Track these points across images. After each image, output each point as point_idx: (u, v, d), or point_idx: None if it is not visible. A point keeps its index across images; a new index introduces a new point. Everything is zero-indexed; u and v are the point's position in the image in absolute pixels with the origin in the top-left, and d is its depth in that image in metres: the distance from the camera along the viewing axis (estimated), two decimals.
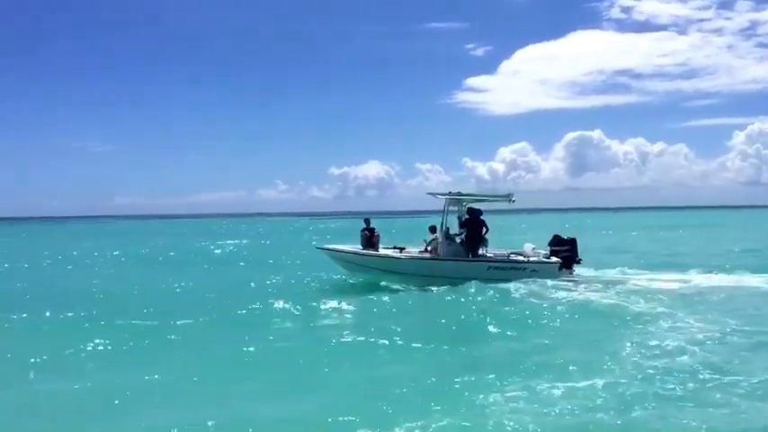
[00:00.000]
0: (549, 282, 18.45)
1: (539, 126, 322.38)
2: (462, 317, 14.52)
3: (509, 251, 20.19)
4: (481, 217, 19.59)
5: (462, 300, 16.46)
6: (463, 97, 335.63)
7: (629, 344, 11.12)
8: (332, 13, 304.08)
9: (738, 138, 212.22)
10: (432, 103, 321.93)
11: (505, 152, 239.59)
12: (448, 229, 19.76)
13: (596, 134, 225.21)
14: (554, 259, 19.59)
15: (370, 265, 19.41)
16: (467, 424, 7.52)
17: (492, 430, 7.40)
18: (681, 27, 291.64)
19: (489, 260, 19.34)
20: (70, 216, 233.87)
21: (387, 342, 11.67)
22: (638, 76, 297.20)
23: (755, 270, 20.74)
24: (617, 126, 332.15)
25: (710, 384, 8.80)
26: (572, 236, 20.52)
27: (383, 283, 18.80)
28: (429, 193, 20.50)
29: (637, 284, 18.59)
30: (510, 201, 19.56)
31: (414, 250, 19.98)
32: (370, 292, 17.77)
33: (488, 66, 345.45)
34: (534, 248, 20.06)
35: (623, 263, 24.47)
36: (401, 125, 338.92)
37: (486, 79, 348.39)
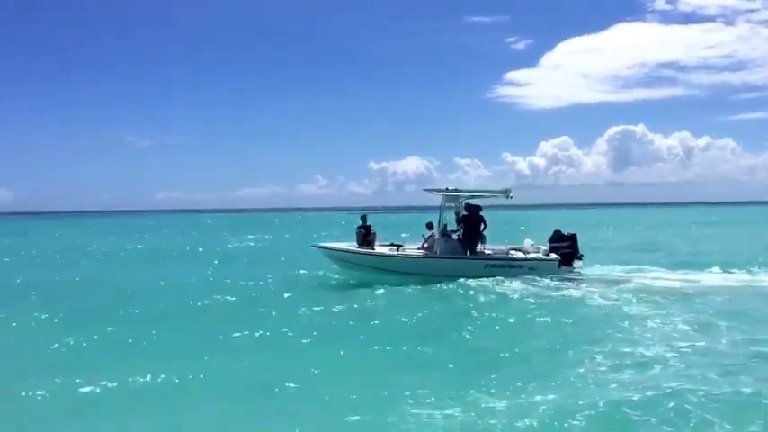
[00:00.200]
0: (547, 280, 18.05)
1: (580, 120, 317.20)
2: (437, 316, 14.09)
3: (508, 247, 19.76)
4: (480, 213, 19.21)
5: (442, 298, 16.14)
6: (504, 91, 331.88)
7: (599, 350, 10.46)
8: (372, 9, 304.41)
9: None
10: (472, 98, 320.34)
11: (546, 147, 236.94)
12: (445, 225, 19.42)
13: (639, 128, 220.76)
14: (553, 256, 19.11)
15: (364, 263, 19.15)
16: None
17: None
18: (728, 18, 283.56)
19: (486, 258, 18.93)
20: (120, 210, 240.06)
21: (347, 340, 11.47)
22: (682, 68, 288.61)
23: None
24: (661, 120, 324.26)
25: (669, 404, 7.78)
26: (572, 231, 19.99)
27: (369, 281, 18.41)
28: (425, 189, 20.14)
29: (639, 283, 17.96)
30: (507, 196, 19.10)
31: (412, 247, 19.67)
32: (356, 290, 17.38)
33: (529, 59, 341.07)
34: (533, 244, 19.60)
35: (639, 260, 23.72)
36: (441, 120, 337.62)
37: (526, 73, 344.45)
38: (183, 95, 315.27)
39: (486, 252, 19.25)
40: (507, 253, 19.37)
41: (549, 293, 16.48)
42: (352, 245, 19.87)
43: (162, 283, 19.69)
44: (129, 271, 24.34)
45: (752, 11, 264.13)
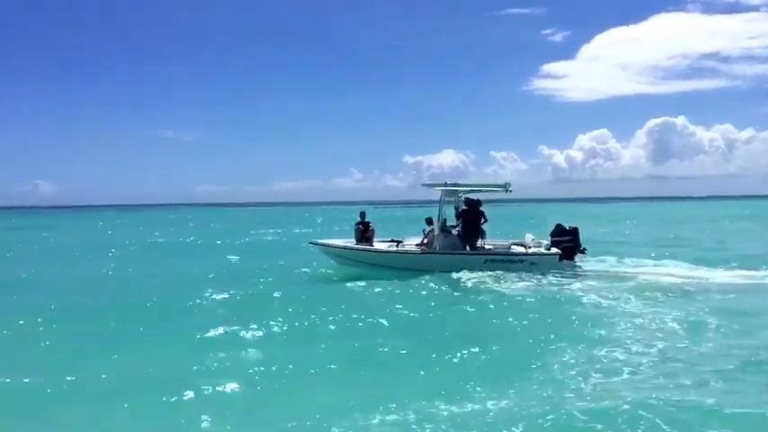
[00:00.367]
0: (546, 275, 17.64)
1: (619, 112, 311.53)
2: (421, 312, 13.70)
3: (510, 242, 19.36)
4: (480, 207, 18.84)
5: (429, 294, 15.84)
6: (540, 84, 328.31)
7: (573, 352, 9.96)
8: (413, 3, 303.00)
9: None
10: (508, 91, 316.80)
11: (584, 139, 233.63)
12: (445, 220, 19.12)
13: (680, 120, 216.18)
14: (554, 250, 18.66)
15: (362, 259, 18.92)
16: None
17: None
18: None
19: (486, 253, 18.56)
20: (161, 204, 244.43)
21: (322, 338, 11.20)
22: (725, 59, 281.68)
23: None
24: (702, 112, 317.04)
25: (622, 415, 7.29)
26: (574, 225, 19.49)
27: (360, 277, 17.95)
28: (424, 185, 19.90)
29: (643, 279, 17.36)
30: (507, 190, 18.69)
31: (412, 243, 19.41)
32: (341, 287, 17.05)
33: (566, 51, 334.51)
34: (534, 239, 19.18)
35: (658, 255, 23.05)
36: (476, 113, 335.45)
37: (563, 65, 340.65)
38: (224, 90, 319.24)
39: (487, 247, 18.87)
40: (509, 248, 18.97)
41: (543, 289, 16.08)
42: (350, 241, 19.67)
43: (150, 278, 19.95)
44: (133, 265, 24.35)
45: None
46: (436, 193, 19.32)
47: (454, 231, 18.94)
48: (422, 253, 18.70)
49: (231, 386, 8.53)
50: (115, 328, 12.20)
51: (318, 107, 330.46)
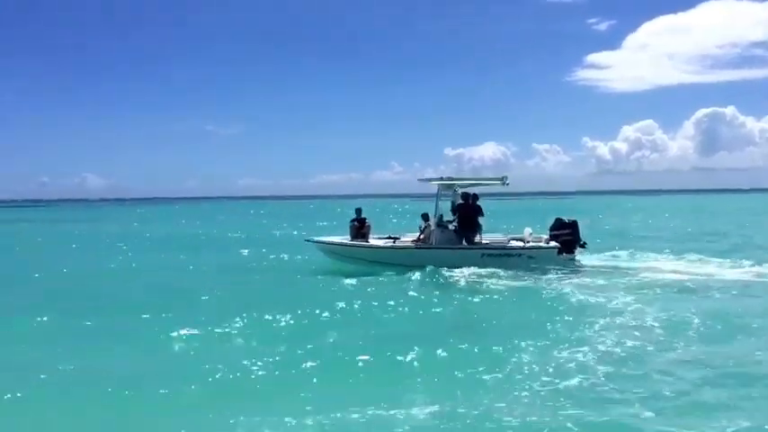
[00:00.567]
0: (544, 268, 17.37)
1: (665, 103, 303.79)
2: (390, 308, 13.46)
3: (509, 237, 18.96)
4: (477, 202, 18.47)
5: (401, 288, 15.65)
6: (584, 74, 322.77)
7: (532, 351, 9.66)
8: None
9: None
10: (551, 82, 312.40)
11: (629, 131, 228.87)
12: (441, 216, 18.79)
13: (729, 111, 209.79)
14: (552, 244, 18.22)
15: (358, 255, 18.73)
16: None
17: None
18: None
19: (482, 247, 18.19)
20: (202, 197, 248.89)
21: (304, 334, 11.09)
22: None
23: None
24: (753, 102, 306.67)
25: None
26: (573, 218, 19.02)
27: (345, 273, 17.96)
28: (420, 180, 19.62)
29: (642, 275, 16.86)
30: (504, 183, 18.33)
31: (408, 240, 19.13)
32: (335, 283, 16.88)
33: (611, 41, 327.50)
34: (532, 233, 18.79)
35: (677, 249, 22.39)
36: (518, 105, 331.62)
37: (608, 55, 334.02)
38: (265, 83, 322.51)
39: (484, 242, 18.49)
40: (508, 242, 18.59)
41: (531, 285, 15.86)
42: (346, 238, 19.51)
43: (148, 271, 20.43)
44: (137, 259, 24.74)
45: None
46: (433, 188, 18.98)
47: (451, 226, 18.58)
48: (417, 248, 18.40)
49: (187, 387, 8.36)
50: (75, 324, 12.34)
51: (359, 99, 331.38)
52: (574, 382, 8.36)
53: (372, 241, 19.14)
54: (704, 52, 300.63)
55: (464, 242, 18.37)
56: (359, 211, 19.79)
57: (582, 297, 13.97)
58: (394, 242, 18.94)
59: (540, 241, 18.58)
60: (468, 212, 18.28)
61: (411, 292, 15.26)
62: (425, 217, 18.91)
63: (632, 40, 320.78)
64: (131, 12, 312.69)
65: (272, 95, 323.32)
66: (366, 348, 9.96)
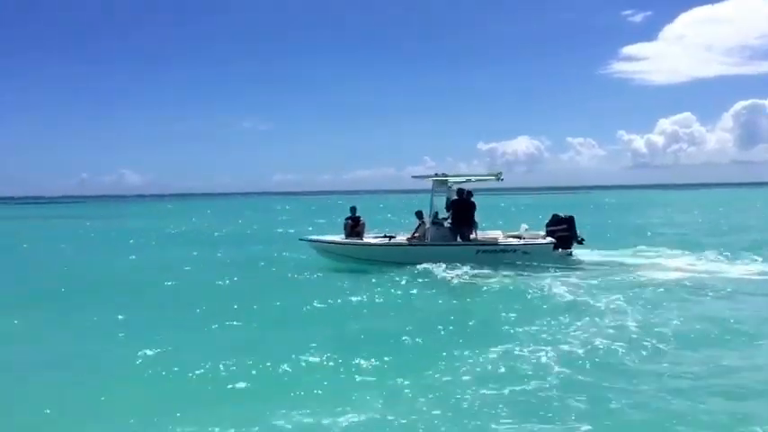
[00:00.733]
0: (539, 264, 17.05)
1: (703, 95, 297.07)
2: (373, 307, 13.40)
3: (505, 233, 18.64)
4: (471, 198, 18.17)
5: (392, 289, 15.37)
6: (619, 67, 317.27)
7: (494, 351, 9.42)
8: None
9: None
10: (585, 75, 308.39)
11: (666, 124, 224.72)
12: (436, 213, 18.53)
13: None
14: (548, 240, 17.91)
15: (352, 254, 18.58)
16: None
17: None
18: None
19: (477, 244, 17.88)
20: (236, 192, 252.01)
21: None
22: None
23: None
24: None
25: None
26: (570, 214, 18.65)
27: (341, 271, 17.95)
28: (414, 177, 19.35)
29: (640, 272, 16.39)
30: (498, 179, 17.99)
31: (403, 238, 18.89)
32: (319, 282, 16.89)
33: (647, 32, 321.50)
34: (528, 229, 18.49)
35: (682, 245, 21.81)
36: (552, 98, 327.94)
37: (644, 47, 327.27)
38: (300, 79, 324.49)
39: (480, 238, 18.18)
40: (504, 238, 18.32)
41: (520, 281, 15.57)
42: (340, 237, 19.35)
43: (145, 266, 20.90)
44: (139, 253, 25.22)
45: None
46: (427, 185, 18.74)
47: (446, 224, 18.31)
48: (411, 245, 18.16)
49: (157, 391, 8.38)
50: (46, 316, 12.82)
51: (392, 94, 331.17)
52: (527, 387, 8.05)
53: (367, 240, 18.95)
54: (743, 43, 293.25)
55: (459, 239, 18.07)
56: (353, 209, 19.62)
57: (569, 296, 13.61)
58: (389, 240, 18.71)
59: (537, 237, 18.19)
60: (462, 209, 17.97)
61: (399, 291, 15.14)
62: (419, 215, 18.65)
63: (669, 31, 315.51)
64: (169, 15, 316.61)
65: (307, 91, 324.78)
66: (325, 350, 9.76)
